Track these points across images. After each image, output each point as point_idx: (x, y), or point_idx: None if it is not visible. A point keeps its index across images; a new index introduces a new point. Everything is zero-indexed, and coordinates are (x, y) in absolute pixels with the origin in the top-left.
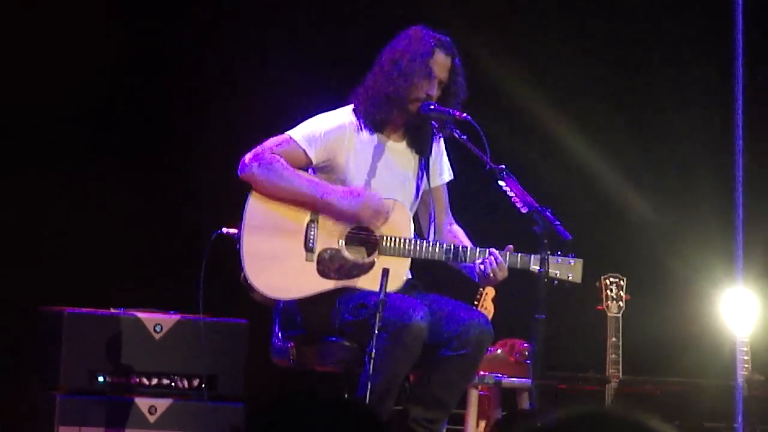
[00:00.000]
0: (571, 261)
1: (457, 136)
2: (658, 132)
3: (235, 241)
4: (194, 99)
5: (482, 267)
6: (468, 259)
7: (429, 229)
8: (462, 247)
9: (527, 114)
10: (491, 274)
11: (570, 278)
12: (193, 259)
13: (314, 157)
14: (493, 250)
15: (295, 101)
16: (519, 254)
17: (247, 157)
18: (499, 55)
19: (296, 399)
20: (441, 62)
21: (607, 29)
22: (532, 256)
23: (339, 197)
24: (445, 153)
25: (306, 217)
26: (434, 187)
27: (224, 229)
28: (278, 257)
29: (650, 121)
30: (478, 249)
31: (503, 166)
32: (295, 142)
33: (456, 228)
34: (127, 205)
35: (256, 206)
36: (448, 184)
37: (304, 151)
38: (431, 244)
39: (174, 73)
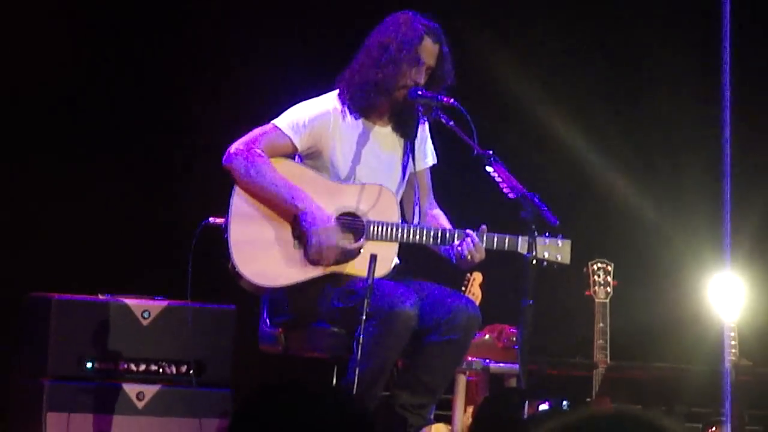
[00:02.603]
0: (560, 242)
1: (444, 121)
2: (646, 117)
3: (222, 230)
4: (183, 88)
5: (460, 249)
6: (455, 242)
7: (414, 212)
8: (449, 231)
9: (515, 100)
10: (468, 256)
11: (559, 259)
12: (181, 246)
13: (299, 144)
14: (469, 231)
15: (283, 89)
16: (507, 236)
17: (233, 147)
18: (487, 41)
19: (282, 386)
20: (429, 49)
21: (597, 17)
22: (520, 237)
23: (306, 212)
24: (429, 137)
25: None
26: (419, 170)
27: (211, 219)
28: (266, 245)
29: (637, 107)
30: (457, 232)
31: (491, 152)
32: (280, 130)
33: (438, 212)
34: (115, 192)
35: (242, 195)
36: (432, 168)
37: (289, 139)
38: (417, 228)
39: (161, 62)
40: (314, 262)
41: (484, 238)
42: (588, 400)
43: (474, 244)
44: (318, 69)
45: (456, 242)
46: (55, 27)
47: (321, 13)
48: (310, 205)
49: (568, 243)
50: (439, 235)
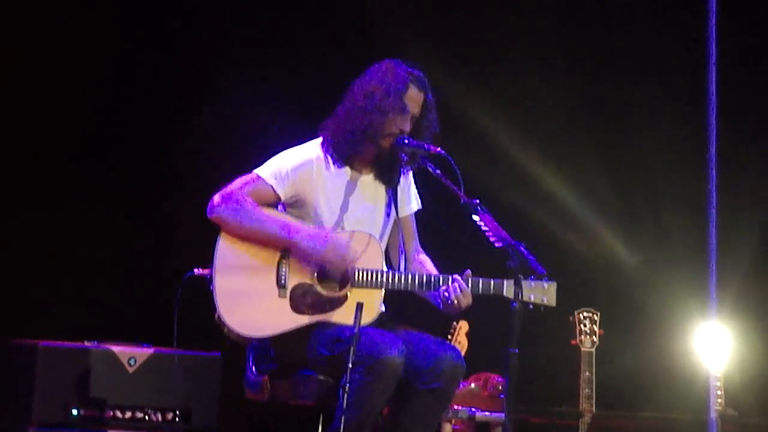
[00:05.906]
0: (545, 284)
1: (431, 170)
2: (631, 165)
3: (207, 281)
4: (172, 138)
5: (446, 294)
6: (441, 287)
7: (399, 258)
8: (434, 277)
9: (502, 149)
10: (455, 301)
11: (545, 301)
12: (167, 294)
13: (282, 194)
14: (456, 276)
15: (268, 138)
16: (492, 280)
17: (216, 198)
18: (472, 89)
19: None
20: (414, 97)
21: (584, 65)
22: (505, 281)
23: (305, 239)
24: (413, 183)
25: (277, 254)
26: (402, 216)
27: (196, 270)
28: (251, 295)
29: (623, 155)
30: (442, 277)
31: (477, 201)
32: (263, 180)
33: (424, 257)
34: (102, 240)
35: (226, 246)
36: (416, 214)
37: (272, 188)
38: (402, 274)
39: (149, 113)
40: (338, 267)
41: (469, 282)
42: None
43: (461, 289)
44: (301, 116)
45: (442, 287)
46: (53, 73)
47: (304, 61)
48: (304, 233)
49: (553, 285)
50: (425, 280)
